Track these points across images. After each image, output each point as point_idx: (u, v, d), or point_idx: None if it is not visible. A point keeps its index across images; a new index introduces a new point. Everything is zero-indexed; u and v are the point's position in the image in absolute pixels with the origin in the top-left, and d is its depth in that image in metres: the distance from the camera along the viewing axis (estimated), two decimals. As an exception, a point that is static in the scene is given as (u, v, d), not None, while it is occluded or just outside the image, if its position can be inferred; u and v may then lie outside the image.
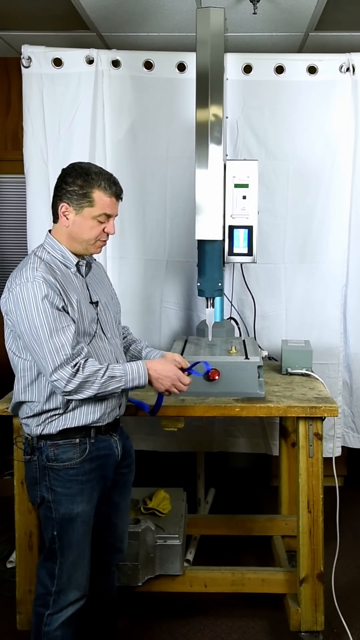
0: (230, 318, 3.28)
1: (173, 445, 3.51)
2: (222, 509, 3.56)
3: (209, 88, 2.57)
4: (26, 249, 3.32)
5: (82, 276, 2.06)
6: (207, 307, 2.79)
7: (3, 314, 1.98)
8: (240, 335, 3.29)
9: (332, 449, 3.17)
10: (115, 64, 3.19)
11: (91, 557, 2.13)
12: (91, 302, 2.05)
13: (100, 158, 3.24)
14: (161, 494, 2.83)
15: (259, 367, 2.54)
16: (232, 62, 3.13)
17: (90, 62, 3.17)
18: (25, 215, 3.29)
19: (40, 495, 2.01)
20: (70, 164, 2.04)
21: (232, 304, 3.33)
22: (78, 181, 1.95)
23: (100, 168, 2.03)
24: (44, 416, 1.98)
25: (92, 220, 1.98)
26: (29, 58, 3.17)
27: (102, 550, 2.19)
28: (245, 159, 3.10)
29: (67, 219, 1.98)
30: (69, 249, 2.02)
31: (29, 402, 2.00)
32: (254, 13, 2.94)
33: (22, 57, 3.17)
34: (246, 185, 2.76)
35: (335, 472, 2.63)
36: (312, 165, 3.25)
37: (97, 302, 2.08)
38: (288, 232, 3.31)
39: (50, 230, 2.08)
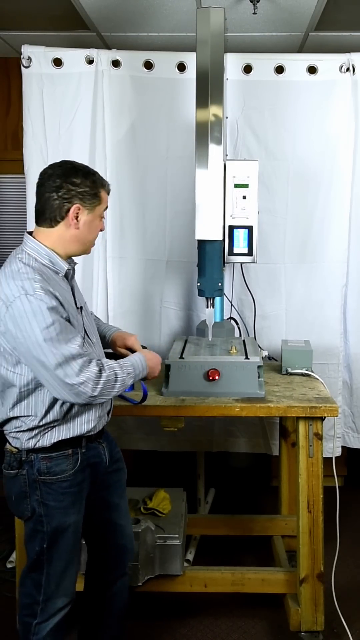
0: (230, 318, 3.28)
1: (173, 445, 3.51)
2: (222, 509, 3.56)
3: (209, 88, 2.57)
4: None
5: (68, 281, 1.97)
6: (207, 307, 2.79)
7: None
8: (240, 335, 3.29)
9: (332, 449, 3.17)
10: (115, 64, 3.19)
11: (108, 563, 2.12)
12: (77, 308, 1.97)
13: (100, 158, 3.24)
14: (161, 494, 2.83)
15: (259, 367, 2.54)
16: (232, 62, 3.13)
17: (90, 62, 3.18)
18: (25, 215, 3.30)
19: (31, 509, 1.92)
20: (59, 165, 1.92)
21: (232, 304, 3.33)
22: (87, 181, 1.88)
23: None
24: (38, 429, 1.89)
25: (98, 219, 1.95)
26: (29, 58, 3.17)
27: (118, 554, 2.18)
28: (245, 159, 3.10)
29: (78, 220, 1.89)
30: (60, 254, 1.91)
31: (23, 416, 1.89)
32: (254, 13, 2.94)
33: (22, 57, 3.17)
34: (246, 185, 2.76)
35: (335, 472, 2.62)
36: (312, 165, 3.25)
37: (81, 308, 2.01)
38: (288, 232, 3.31)
39: (30, 233, 1.94)
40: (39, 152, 3.23)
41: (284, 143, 3.25)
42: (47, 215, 1.88)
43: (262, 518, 3.13)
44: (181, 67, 3.20)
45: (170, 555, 2.57)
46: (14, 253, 1.92)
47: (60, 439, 1.91)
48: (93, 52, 3.18)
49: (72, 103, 3.19)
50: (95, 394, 1.82)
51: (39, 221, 1.91)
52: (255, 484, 3.92)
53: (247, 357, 2.57)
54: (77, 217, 1.88)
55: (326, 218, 3.28)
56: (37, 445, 1.89)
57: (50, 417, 1.89)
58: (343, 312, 3.36)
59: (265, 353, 2.79)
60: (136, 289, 3.38)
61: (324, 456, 2.46)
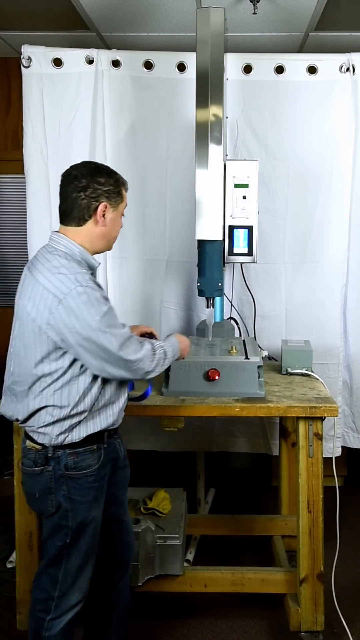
0: (230, 318, 3.28)
1: (173, 445, 3.51)
2: (222, 509, 3.56)
3: (209, 88, 2.57)
4: (26, 249, 3.32)
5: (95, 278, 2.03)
6: (207, 307, 2.79)
7: (42, 327, 1.84)
8: (240, 335, 3.29)
9: (332, 449, 3.17)
10: (115, 64, 3.19)
11: (114, 561, 2.14)
12: None
13: (100, 158, 3.23)
14: (161, 494, 2.83)
15: (259, 367, 2.54)
16: (232, 62, 3.13)
17: (90, 62, 3.18)
18: (25, 215, 3.30)
19: (56, 504, 1.94)
20: (83, 166, 1.99)
21: (232, 304, 3.33)
22: (111, 180, 1.97)
23: None
24: (68, 422, 1.91)
25: (120, 216, 2.04)
26: (29, 58, 3.17)
27: (123, 551, 2.20)
28: (245, 159, 3.10)
29: (105, 218, 1.97)
30: (88, 251, 1.98)
31: (54, 406, 1.90)
32: (254, 13, 2.94)
33: (22, 57, 3.17)
34: (246, 185, 2.76)
35: (335, 472, 2.62)
36: (312, 165, 3.25)
37: None
38: (288, 232, 3.31)
39: (56, 231, 2.00)
40: (39, 152, 3.23)
41: (284, 143, 3.25)
42: (75, 215, 1.95)
43: (262, 518, 3.13)
44: (181, 67, 3.19)
45: (170, 555, 2.57)
46: (44, 251, 1.96)
47: (88, 433, 1.94)
48: (93, 52, 3.17)
49: (72, 103, 3.19)
50: (150, 369, 1.97)
51: (66, 221, 1.97)
52: (255, 484, 3.92)
53: (247, 357, 2.57)
54: (103, 215, 1.96)
55: (326, 218, 3.28)
56: (66, 441, 1.92)
57: (80, 407, 1.92)
58: (343, 312, 3.36)
59: (265, 353, 2.78)
60: (136, 289, 3.38)
61: (324, 456, 2.46)
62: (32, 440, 1.97)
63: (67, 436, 1.92)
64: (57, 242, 1.95)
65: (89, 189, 1.93)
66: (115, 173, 2.01)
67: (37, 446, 1.95)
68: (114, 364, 1.88)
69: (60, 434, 1.92)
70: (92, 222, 1.96)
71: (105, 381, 1.96)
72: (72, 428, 1.92)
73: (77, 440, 1.93)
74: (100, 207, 1.95)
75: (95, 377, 1.93)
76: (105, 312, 1.84)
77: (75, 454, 1.94)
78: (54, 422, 1.91)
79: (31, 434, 1.97)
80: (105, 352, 1.85)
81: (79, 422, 1.93)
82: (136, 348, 1.92)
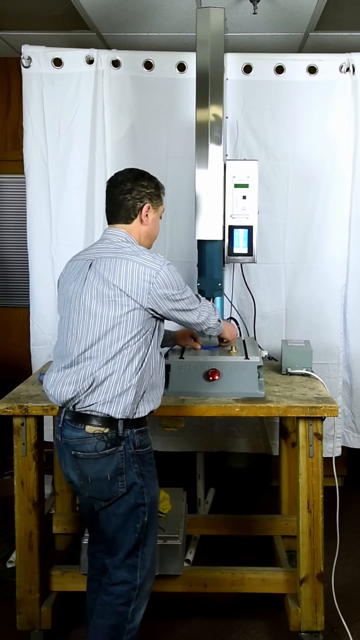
0: (230, 318, 3.28)
1: (173, 445, 3.51)
2: (222, 509, 3.56)
3: (209, 88, 2.57)
4: (26, 248, 3.32)
5: None
6: (207, 307, 2.79)
7: (138, 299, 1.99)
8: (240, 335, 3.29)
9: (332, 449, 3.17)
10: (115, 64, 3.19)
11: None
12: None
13: (100, 158, 3.24)
14: (161, 494, 2.82)
15: (259, 367, 2.54)
16: (232, 62, 3.13)
17: (90, 62, 3.18)
18: (25, 215, 3.30)
19: (128, 484, 2.00)
20: (128, 172, 2.15)
21: (232, 304, 3.33)
22: (152, 184, 2.16)
23: None
24: (138, 392, 2.00)
25: (159, 218, 2.22)
26: (29, 58, 3.17)
27: None
28: (245, 159, 3.10)
29: (148, 218, 2.14)
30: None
31: (130, 371, 1.98)
32: (254, 13, 2.94)
33: (22, 57, 3.18)
34: (246, 185, 2.76)
35: (335, 472, 2.63)
36: (312, 165, 3.25)
37: None
38: (288, 232, 3.31)
39: (108, 229, 2.16)
40: (39, 152, 3.23)
41: (284, 143, 3.26)
42: (122, 214, 2.13)
43: (262, 518, 3.12)
44: (181, 67, 3.20)
45: (170, 555, 2.57)
46: (107, 242, 2.09)
47: (150, 409, 2.07)
48: (93, 52, 3.18)
49: (72, 103, 3.20)
50: (214, 317, 2.27)
51: (114, 220, 2.15)
52: (255, 484, 3.92)
53: (247, 357, 2.57)
54: (147, 215, 2.14)
55: (326, 218, 3.28)
56: (135, 415, 2.01)
57: (145, 375, 2.03)
58: (343, 312, 3.36)
59: (265, 353, 2.78)
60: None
61: (324, 456, 2.46)
62: (93, 423, 1.99)
63: (137, 409, 2.01)
64: (117, 235, 2.11)
65: (134, 191, 2.12)
66: (155, 178, 2.19)
67: (105, 429, 1.98)
68: (197, 315, 2.18)
69: (131, 404, 1.99)
70: (137, 221, 2.14)
71: (159, 361, 2.11)
72: (138, 402, 2.02)
73: (142, 415, 2.04)
74: (145, 208, 2.13)
75: (153, 350, 2.07)
76: (183, 282, 2.13)
77: (140, 433, 2.05)
78: (128, 389, 1.98)
79: (101, 407, 1.98)
80: (190, 309, 2.14)
81: (143, 394, 2.03)
82: (207, 303, 2.26)
